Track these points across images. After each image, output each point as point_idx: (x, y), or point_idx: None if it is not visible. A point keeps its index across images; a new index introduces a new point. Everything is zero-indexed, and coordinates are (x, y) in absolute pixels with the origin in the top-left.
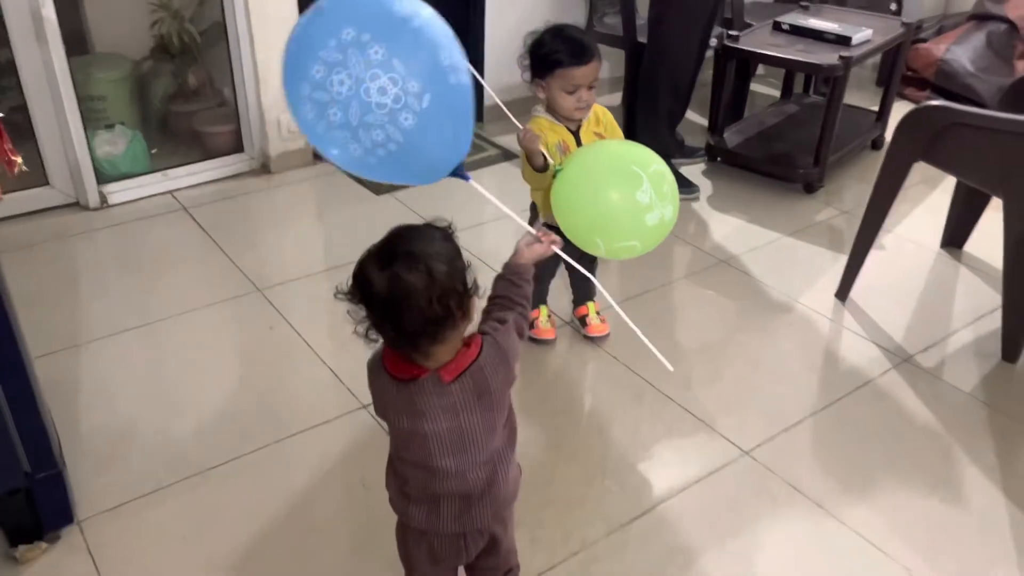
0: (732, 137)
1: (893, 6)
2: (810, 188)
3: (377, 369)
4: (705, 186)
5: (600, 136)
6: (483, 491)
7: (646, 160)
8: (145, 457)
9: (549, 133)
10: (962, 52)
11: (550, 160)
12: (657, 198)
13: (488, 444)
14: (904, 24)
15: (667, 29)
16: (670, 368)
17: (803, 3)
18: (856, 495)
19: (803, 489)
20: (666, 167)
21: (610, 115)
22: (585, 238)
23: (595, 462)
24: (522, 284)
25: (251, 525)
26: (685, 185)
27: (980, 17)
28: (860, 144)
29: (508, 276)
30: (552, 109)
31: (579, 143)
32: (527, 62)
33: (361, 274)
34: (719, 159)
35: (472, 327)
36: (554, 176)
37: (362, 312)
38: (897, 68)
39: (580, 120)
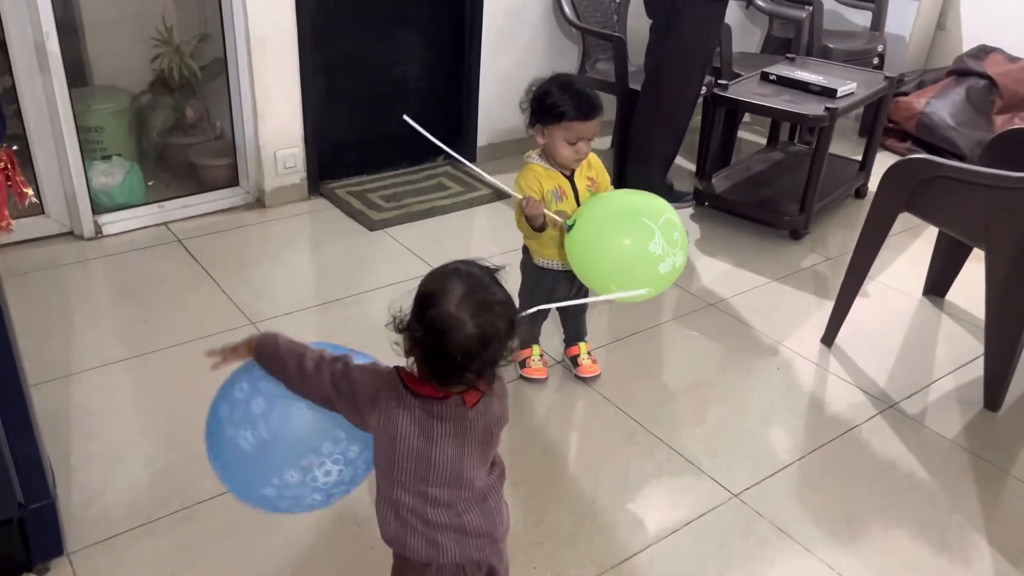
0: (720, 183)
1: (876, 60)
2: (796, 235)
3: (394, 385)
4: (693, 230)
5: (592, 180)
6: (476, 524)
7: (657, 211)
8: (135, 490)
9: (545, 180)
10: (942, 106)
11: (555, 219)
12: (668, 247)
13: (478, 479)
14: (887, 78)
15: (666, 78)
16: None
17: (789, 55)
18: (843, 539)
19: (791, 532)
20: (675, 214)
21: (599, 161)
22: (601, 287)
23: (585, 502)
24: None
25: (241, 561)
26: (678, 199)
27: (960, 72)
28: (844, 192)
29: None
30: (547, 155)
31: (574, 187)
32: (528, 108)
33: (444, 318)
34: (707, 204)
35: None
36: (568, 229)
37: (405, 344)
38: (880, 120)
39: (574, 168)
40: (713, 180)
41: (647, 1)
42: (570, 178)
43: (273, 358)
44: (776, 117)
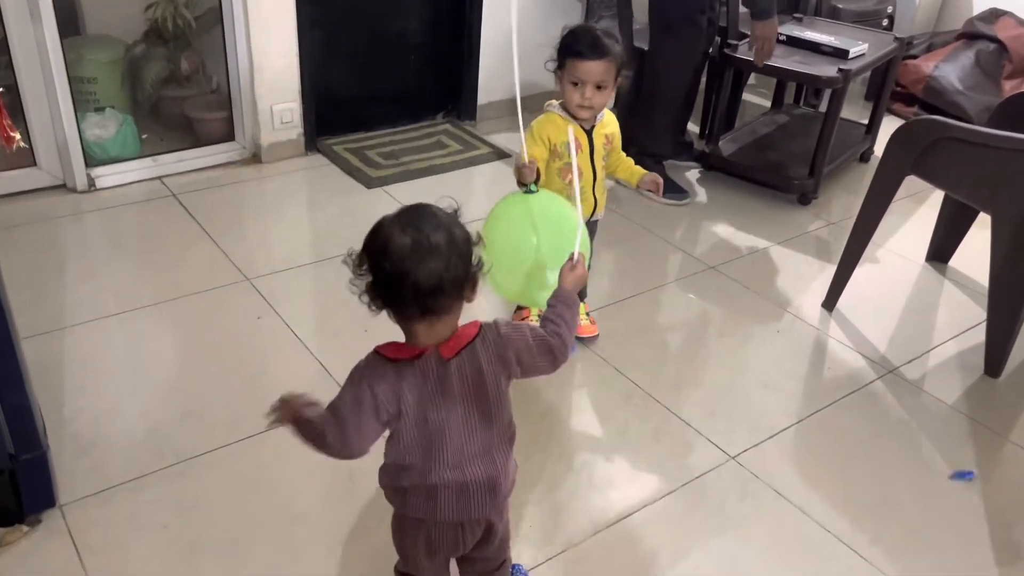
0: (726, 146)
1: (885, 22)
2: (805, 199)
3: (372, 363)
4: (696, 188)
5: (608, 139)
6: (480, 483)
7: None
8: (129, 443)
9: (561, 131)
10: (951, 70)
11: (529, 171)
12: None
13: (482, 436)
14: (896, 39)
15: (665, 56)
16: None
17: (796, 15)
18: (839, 502)
19: (787, 495)
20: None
21: (617, 126)
22: (492, 250)
23: (582, 463)
24: (557, 304)
25: (235, 515)
26: (676, 191)
27: (970, 36)
28: (850, 156)
29: (550, 301)
30: (566, 106)
31: (591, 142)
32: (556, 53)
33: (379, 235)
34: (714, 168)
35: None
36: (526, 191)
37: (366, 278)
38: (888, 83)
39: (585, 118)
40: (720, 143)
41: None
42: (588, 132)
43: (301, 436)
44: (787, 79)
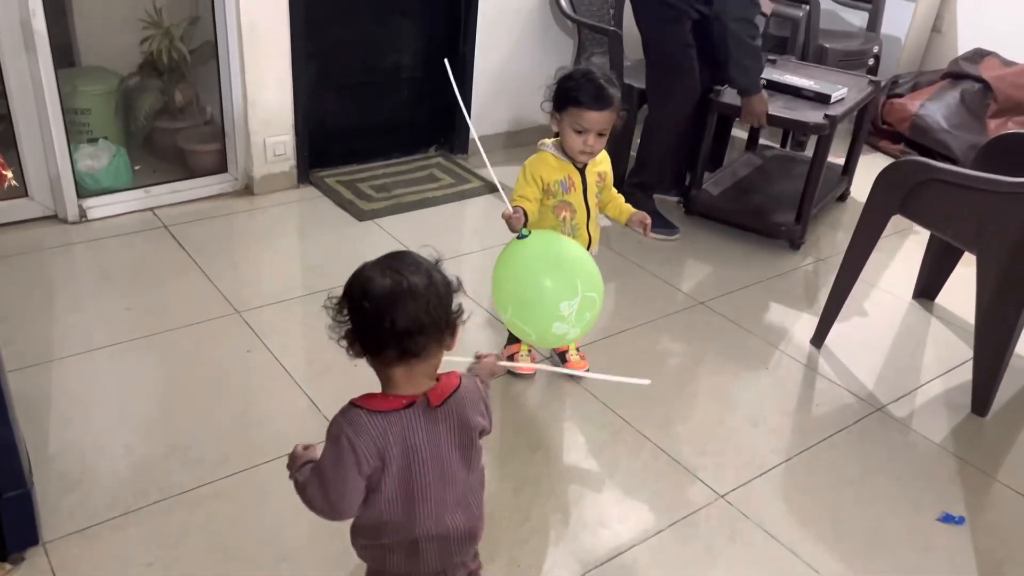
0: (711, 190)
1: (871, 61)
2: (794, 245)
3: (351, 418)
4: (684, 227)
5: (601, 176)
6: (462, 532)
7: (590, 282)
8: (114, 479)
9: (555, 170)
10: (936, 108)
11: (517, 219)
12: (576, 318)
13: (462, 483)
14: (872, 82)
15: (654, 90)
16: (646, 382)
17: (770, 57)
18: (829, 542)
19: (777, 535)
20: (600, 298)
21: (609, 164)
22: (502, 300)
23: (572, 500)
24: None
25: (221, 553)
26: (666, 226)
27: (955, 75)
28: (830, 198)
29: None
30: (560, 144)
31: (584, 180)
32: (552, 93)
33: (359, 277)
34: (698, 213)
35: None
36: (519, 238)
37: (346, 325)
38: (863, 124)
39: (584, 161)
40: (703, 187)
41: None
42: (582, 170)
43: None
44: (774, 125)
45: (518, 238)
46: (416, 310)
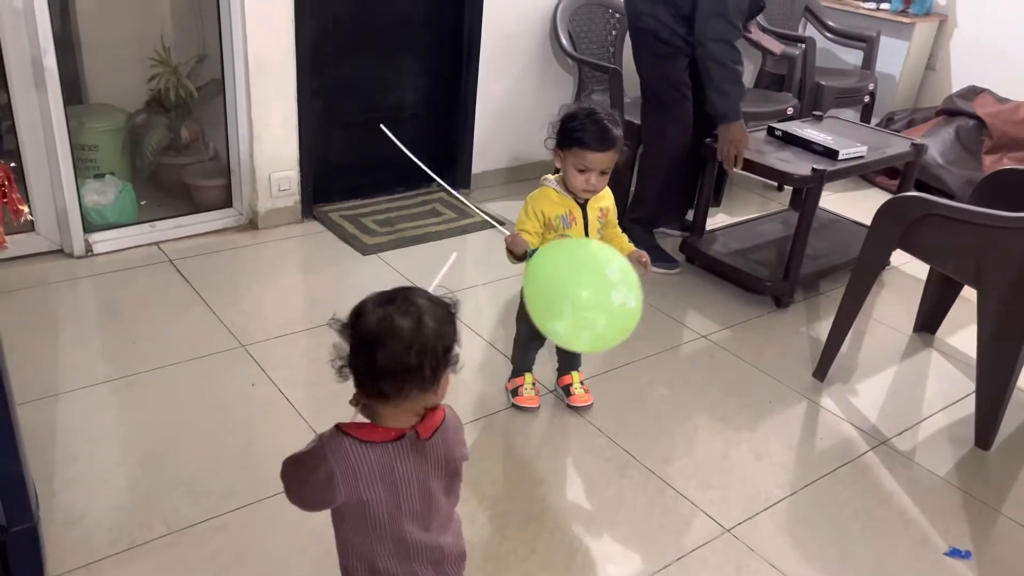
0: (711, 240)
1: (867, 98)
2: (779, 302)
3: (341, 450)
4: (686, 262)
5: (603, 212)
6: (451, 546)
7: (619, 256)
8: (119, 513)
9: (556, 205)
10: (932, 144)
11: (521, 244)
12: (624, 281)
13: (444, 509)
14: (913, 145)
15: (650, 126)
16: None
17: (816, 112)
18: None
19: (783, 569)
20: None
21: (611, 196)
22: (551, 306)
23: (577, 535)
24: None
25: None
26: (666, 259)
27: (949, 112)
28: (852, 262)
29: None
30: (563, 180)
31: (585, 216)
32: (555, 130)
33: (359, 307)
34: (689, 260)
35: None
36: (530, 256)
37: (345, 349)
38: (905, 188)
39: (585, 197)
40: (704, 237)
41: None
42: (583, 205)
43: None
44: (761, 175)
45: (528, 257)
46: (397, 354)
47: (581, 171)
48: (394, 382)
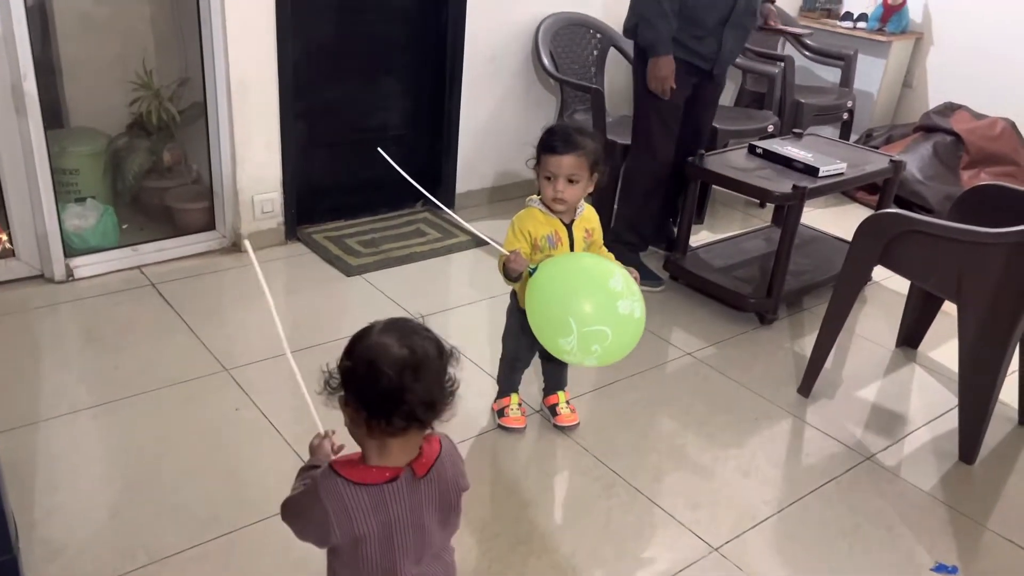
0: (697, 257)
1: (845, 115)
2: (762, 319)
3: (335, 491)
4: (672, 280)
5: (589, 233)
6: None
7: (619, 266)
8: (101, 543)
9: (542, 225)
10: (911, 160)
11: (522, 262)
12: (628, 290)
13: (438, 541)
14: (892, 162)
15: (642, 131)
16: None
17: (796, 131)
18: None
19: None
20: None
21: (596, 216)
22: (557, 322)
23: (565, 556)
24: None
25: None
26: (651, 277)
27: (927, 128)
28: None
29: None
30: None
31: (571, 236)
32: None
33: (371, 348)
34: (673, 278)
35: None
36: (531, 273)
37: (341, 400)
38: (884, 204)
39: (562, 212)
40: (688, 255)
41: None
42: (568, 226)
43: None
44: (742, 192)
45: (530, 275)
46: (432, 379)
47: (548, 179)
48: (427, 403)
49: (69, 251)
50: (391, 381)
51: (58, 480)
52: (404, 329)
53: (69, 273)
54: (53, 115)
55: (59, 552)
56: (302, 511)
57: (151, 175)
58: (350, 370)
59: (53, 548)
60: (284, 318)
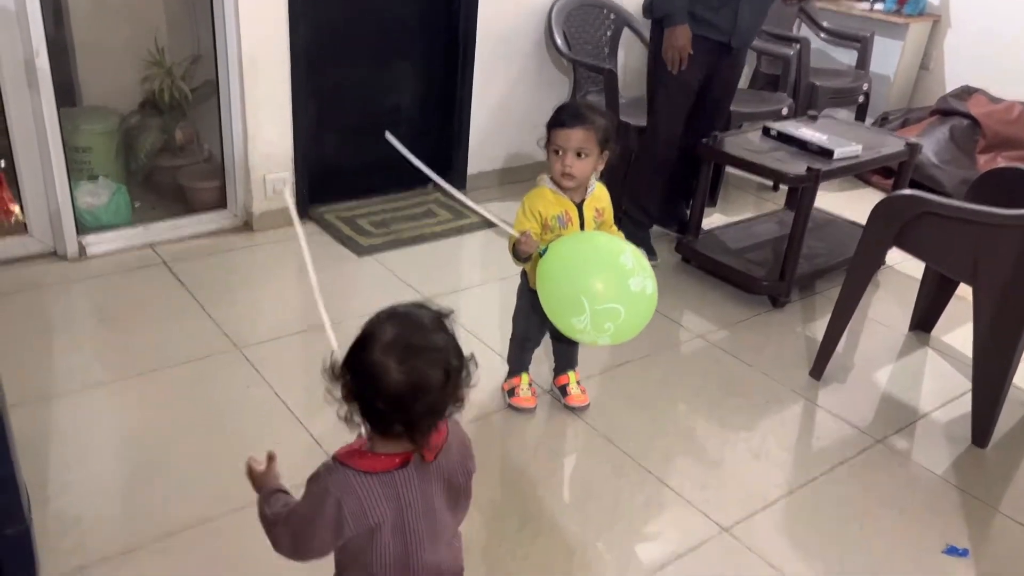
0: (709, 239)
1: (861, 98)
2: (775, 302)
3: (340, 477)
4: (681, 262)
5: (599, 212)
6: (449, 563)
7: (629, 243)
8: (113, 518)
9: (552, 205)
10: (927, 144)
11: (532, 243)
12: (640, 266)
13: (449, 526)
14: (908, 144)
15: (654, 108)
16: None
17: (811, 113)
18: None
19: (782, 569)
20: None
21: (607, 195)
22: (569, 302)
23: (574, 535)
24: None
25: None
26: (648, 252)
27: (944, 112)
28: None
29: None
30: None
31: (581, 215)
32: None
33: (373, 364)
34: (685, 260)
35: None
36: (541, 254)
37: (341, 391)
38: (900, 187)
39: (571, 188)
40: (701, 238)
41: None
42: (579, 205)
43: (261, 522)
44: (756, 174)
45: (540, 256)
46: (432, 403)
47: (556, 152)
48: (429, 423)
49: (81, 229)
50: (387, 405)
51: (71, 456)
52: (409, 347)
53: (81, 250)
54: (66, 93)
55: (72, 526)
56: (311, 516)
57: (163, 153)
58: (351, 381)
59: (66, 523)
60: (295, 297)
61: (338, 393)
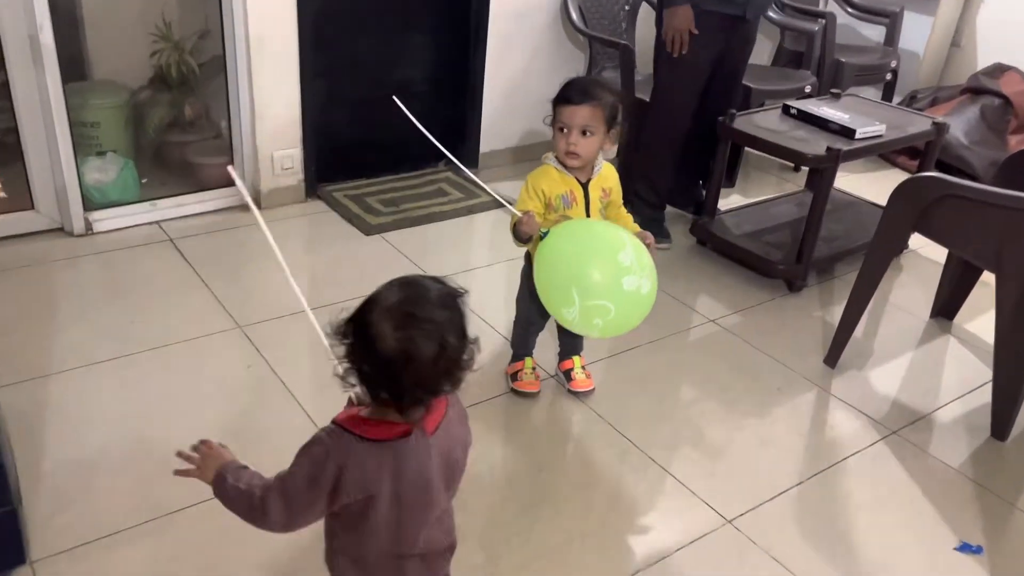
0: (724, 223)
1: (889, 76)
2: (791, 286)
3: (342, 442)
4: (696, 249)
5: (606, 192)
6: (441, 546)
7: (627, 233)
8: (109, 497)
9: (557, 184)
10: (956, 124)
11: (533, 224)
12: (638, 265)
13: (444, 502)
14: (935, 124)
15: (661, 84)
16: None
17: (834, 91)
18: (841, 572)
19: (787, 564)
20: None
21: (615, 175)
22: (561, 292)
23: (576, 522)
24: None
25: (213, 572)
26: (662, 235)
27: (974, 91)
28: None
29: None
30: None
31: (587, 195)
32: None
33: (370, 325)
34: (700, 243)
35: None
36: (542, 237)
37: (344, 350)
38: (926, 168)
39: (576, 168)
40: (716, 219)
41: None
42: (585, 185)
43: (228, 501)
44: (774, 154)
45: (540, 238)
46: (423, 376)
47: (561, 130)
48: (418, 396)
49: (88, 205)
50: (374, 369)
51: (68, 433)
52: (409, 315)
53: (88, 227)
54: (75, 67)
55: (68, 504)
56: (310, 480)
57: (172, 129)
58: (350, 337)
59: (62, 500)
60: (301, 275)
61: (340, 350)
